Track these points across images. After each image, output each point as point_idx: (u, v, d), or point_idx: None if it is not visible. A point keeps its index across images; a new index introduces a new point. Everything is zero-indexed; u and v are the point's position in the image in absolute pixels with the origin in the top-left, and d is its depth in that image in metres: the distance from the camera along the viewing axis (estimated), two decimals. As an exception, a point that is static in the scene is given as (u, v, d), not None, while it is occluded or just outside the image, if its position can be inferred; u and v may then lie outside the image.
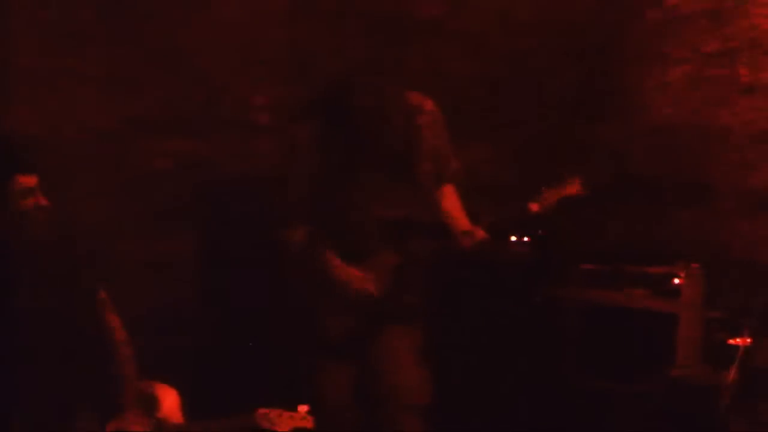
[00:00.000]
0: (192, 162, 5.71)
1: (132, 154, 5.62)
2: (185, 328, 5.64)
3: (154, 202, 5.65)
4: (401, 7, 5.98)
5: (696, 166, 6.04)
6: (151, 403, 4.46)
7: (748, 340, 4.38)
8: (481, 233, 4.71)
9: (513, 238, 5.48)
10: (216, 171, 5.76)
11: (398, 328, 4.75)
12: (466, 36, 6.31)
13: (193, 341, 5.62)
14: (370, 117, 4.62)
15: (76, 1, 5.43)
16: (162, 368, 4.55)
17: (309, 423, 4.31)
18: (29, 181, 3.98)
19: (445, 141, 4.87)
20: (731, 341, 4.42)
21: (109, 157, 5.56)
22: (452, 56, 6.24)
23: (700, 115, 6.08)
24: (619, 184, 6.14)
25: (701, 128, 6.06)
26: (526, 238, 5.50)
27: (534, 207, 4.69)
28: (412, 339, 4.80)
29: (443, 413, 4.94)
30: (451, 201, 4.89)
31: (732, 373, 4.35)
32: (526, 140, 6.34)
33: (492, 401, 5.74)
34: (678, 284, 5.43)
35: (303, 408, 4.33)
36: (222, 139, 5.77)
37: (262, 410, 4.29)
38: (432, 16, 6.21)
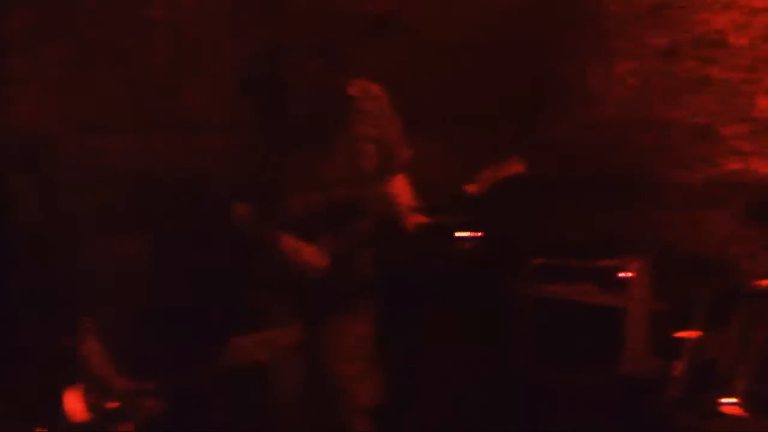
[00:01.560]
0: (134, 160, 5.66)
1: (72, 153, 5.56)
2: (131, 327, 5.59)
3: (95, 200, 5.60)
4: (348, 4, 5.95)
5: (642, 160, 6.07)
6: None
7: (696, 333, 4.40)
8: (420, 218, 4.69)
9: (463, 234, 5.46)
10: (158, 168, 5.71)
11: (346, 322, 4.73)
12: (413, 32, 6.31)
13: (140, 341, 5.58)
14: (301, 96, 4.62)
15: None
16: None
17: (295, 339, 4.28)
18: None
19: (393, 129, 4.85)
20: (679, 334, 4.45)
21: (49, 157, 5.50)
22: (399, 52, 6.23)
23: (646, 110, 6.11)
24: (566, 179, 6.16)
25: (647, 123, 6.10)
26: (476, 234, 5.49)
27: (471, 188, 4.65)
28: (362, 334, 4.79)
29: (395, 410, 4.93)
30: (399, 188, 4.88)
31: (680, 366, 4.38)
32: (474, 135, 6.34)
33: (444, 396, 5.75)
34: (625, 278, 5.46)
35: None
36: (163, 136, 5.72)
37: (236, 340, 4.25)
38: (380, 13, 6.20)
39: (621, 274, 5.46)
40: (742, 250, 5.63)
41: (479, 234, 5.23)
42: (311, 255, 4.62)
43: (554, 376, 5.47)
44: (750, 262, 5.56)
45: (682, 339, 4.43)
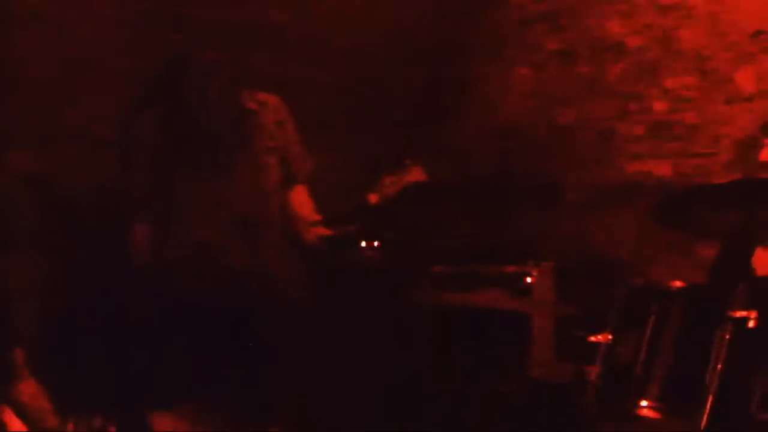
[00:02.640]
0: (36, 177, 5.49)
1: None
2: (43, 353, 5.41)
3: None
4: (245, 14, 5.88)
5: (543, 164, 6.12)
6: None
7: (609, 336, 4.39)
8: (322, 230, 4.64)
9: (363, 243, 5.40)
10: (60, 185, 5.55)
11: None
12: (310, 42, 6.27)
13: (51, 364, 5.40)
14: (197, 110, 4.54)
15: None
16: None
17: None
18: None
19: (293, 140, 4.81)
20: (592, 338, 4.43)
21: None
22: (296, 62, 6.17)
23: (545, 113, 6.17)
24: (467, 184, 6.16)
25: (547, 127, 6.15)
26: (375, 243, 5.43)
27: (373, 198, 4.61)
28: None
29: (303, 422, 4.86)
30: (300, 200, 4.82)
31: (594, 370, 4.36)
32: (372, 144, 6.31)
33: (350, 407, 5.68)
34: (530, 283, 5.44)
35: None
36: (65, 152, 5.56)
37: None
38: (276, 22, 6.13)
39: (524, 279, 5.45)
40: (646, 252, 5.68)
41: (378, 243, 5.20)
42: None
43: (462, 385, 5.44)
44: (654, 264, 5.61)
45: (594, 343, 4.40)
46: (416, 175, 4.67)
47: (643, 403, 4.15)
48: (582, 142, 6.02)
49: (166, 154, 4.60)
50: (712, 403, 3.98)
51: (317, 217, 4.73)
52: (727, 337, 4.02)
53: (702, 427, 3.95)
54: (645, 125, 5.84)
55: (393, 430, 5.60)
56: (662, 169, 5.77)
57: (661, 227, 5.20)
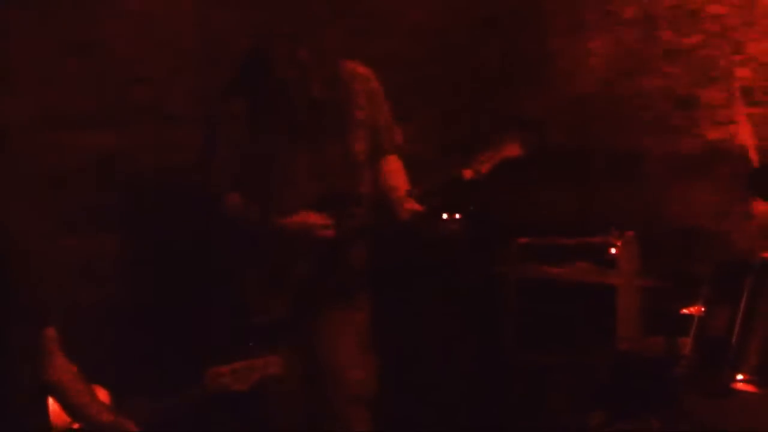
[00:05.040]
0: (108, 156, 5.50)
1: (44, 150, 5.38)
2: (113, 328, 5.43)
3: (71, 199, 5.43)
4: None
5: (622, 133, 6.06)
6: None
7: (702, 308, 4.34)
8: (414, 205, 4.60)
9: (445, 216, 5.37)
10: (133, 164, 5.56)
11: (340, 313, 4.65)
12: (382, 14, 6.23)
13: (122, 340, 5.43)
14: (291, 83, 4.52)
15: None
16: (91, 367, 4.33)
17: (276, 368, 4.02)
18: None
19: (383, 111, 4.79)
20: (684, 311, 4.39)
21: (20, 155, 5.33)
22: (368, 35, 6.13)
23: (624, 82, 6.10)
24: (545, 155, 6.11)
25: (625, 95, 6.09)
26: (458, 215, 5.40)
27: (468, 173, 4.55)
28: (356, 324, 4.72)
29: (385, 395, 4.86)
30: (391, 173, 4.79)
31: (687, 344, 4.32)
32: (448, 116, 6.28)
33: (434, 381, 5.69)
34: (614, 254, 5.40)
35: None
36: (138, 130, 5.57)
37: (214, 370, 3.98)
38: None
39: (610, 251, 5.40)
40: (732, 222, 5.62)
41: (463, 215, 5.16)
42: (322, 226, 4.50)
43: (548, 358, 5.42)
44: (737, 233, 5.55)
45: (687, 315, 4.36)
46: (513, 150, 4.60)
47: (739, 376, 4.11)
48: (662, 110, 5.95)
49: (256, 128, 4.59)
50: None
51: (408, 188, 4.68)
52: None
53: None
54: (727, 91, 5.76)
55: (477, 403, 5.61)
56: (746, 135, 5.69)
57: (744, 196, 5.16)
